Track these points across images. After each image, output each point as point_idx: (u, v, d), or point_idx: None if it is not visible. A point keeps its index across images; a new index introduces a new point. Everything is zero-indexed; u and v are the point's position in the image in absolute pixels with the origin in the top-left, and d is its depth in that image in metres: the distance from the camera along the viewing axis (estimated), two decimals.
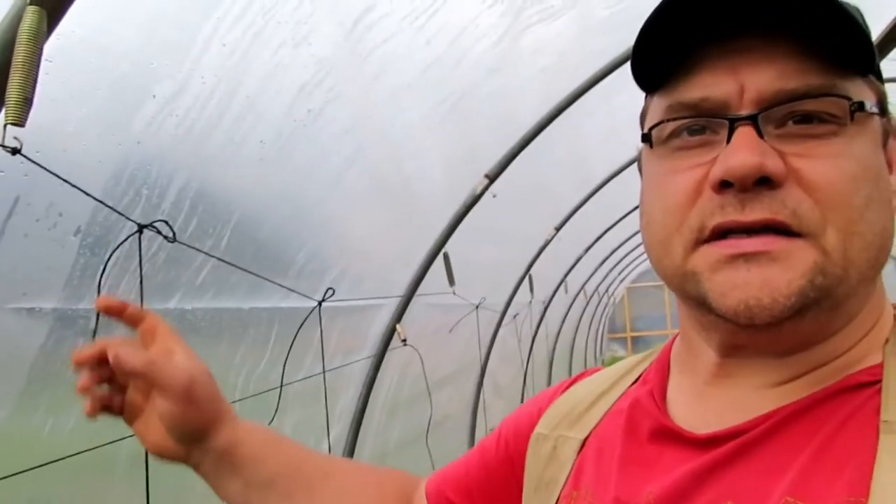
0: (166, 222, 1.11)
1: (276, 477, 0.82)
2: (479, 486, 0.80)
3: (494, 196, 3.11)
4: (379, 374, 2.71)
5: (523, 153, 2.95)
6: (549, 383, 7.20)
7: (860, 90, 0.53)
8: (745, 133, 0.52)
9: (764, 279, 0.50)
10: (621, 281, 11.74)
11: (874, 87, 0.56)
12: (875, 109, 0.54)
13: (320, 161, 1.76)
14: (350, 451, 2.67)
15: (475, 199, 2.97)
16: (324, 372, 2.02)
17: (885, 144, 0.56)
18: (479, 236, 3.66)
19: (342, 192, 1.94)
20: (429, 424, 3.21)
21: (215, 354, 1.75)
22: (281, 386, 1.85)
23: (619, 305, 14.08)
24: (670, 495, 0.56)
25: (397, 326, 2.70)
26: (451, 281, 2.94)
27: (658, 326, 14.14)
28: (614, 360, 13.89)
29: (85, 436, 1.36)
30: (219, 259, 1.47)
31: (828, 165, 0.51)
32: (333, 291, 1.85)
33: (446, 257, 2.89)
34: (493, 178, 3.15)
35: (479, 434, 4.21)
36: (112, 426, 1.43)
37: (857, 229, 0.51)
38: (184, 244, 1.30)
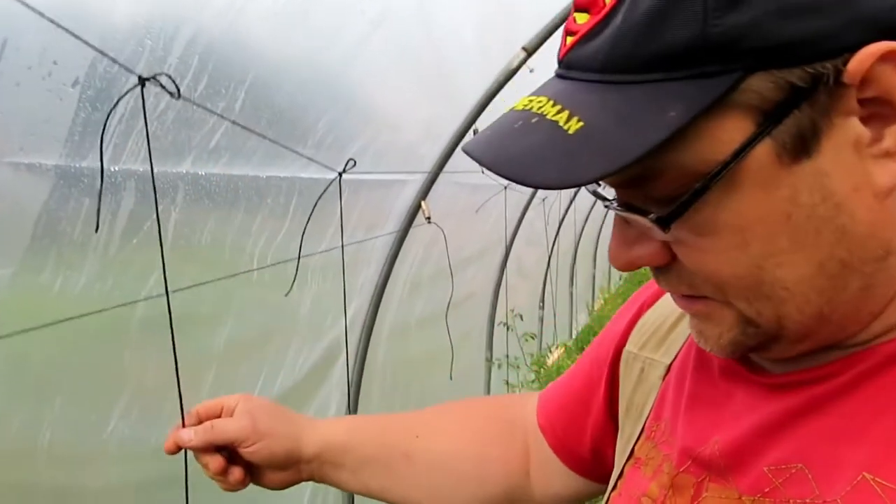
0: (170, 77, 1.01)
1: (372, 456, 0.88)
2: (584, 407, 0.79)
3: (531, 71, 2.93)
4: (401, 251, 2.67)
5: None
6: (573, 266, 7.20)
7: (721, 133, 0.42)
8: (617, 223, 0.51)
9: (699, 332, 0.52)
10: None
11: (769, 85, 0.40)
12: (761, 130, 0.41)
13: (342, 21, 1.63)
14: (370, 326, 2.69)
15: (511, 74, 2.80)
16: (342, 246, 1.97)
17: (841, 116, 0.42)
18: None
19: (367, 58, 1.81)
20: (449, 302, 3.21)
21: (230, 222, 1.70)
22: (299, 258, 1.81)
23: None
24: (737, 450, 0.52)
25: (422, 203, 2.63)
26: None
27: None
28: None
29: (97, 296, 1.34)
30: (232, 122, 1.38)
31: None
32: (355, 163, 1.77)
33: (477, 134, 2.77)
34: (531, 51, 2.95)
35: (500, 314, 4.24)
36: (123, 287, 1.41)
37: (760, 295, 0.46)
38: (191, 102, 1.22)
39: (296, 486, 0.89)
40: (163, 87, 1.02)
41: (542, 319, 5.87)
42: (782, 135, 0.41)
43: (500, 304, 4.27)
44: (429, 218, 2.61)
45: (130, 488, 1.56)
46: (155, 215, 1.18)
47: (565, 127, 0.44)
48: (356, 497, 2.64)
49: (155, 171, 1.36)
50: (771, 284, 0.45)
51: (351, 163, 1.75)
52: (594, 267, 8.95)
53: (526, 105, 0.48)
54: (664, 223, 0.44)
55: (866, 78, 0.40)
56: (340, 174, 1.82)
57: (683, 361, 0.63)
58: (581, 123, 0.43)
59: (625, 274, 12.06)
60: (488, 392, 4.22)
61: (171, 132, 1.32)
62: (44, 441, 1.33)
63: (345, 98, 1.88)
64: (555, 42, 2.97)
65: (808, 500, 0.47)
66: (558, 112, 0.45)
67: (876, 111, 0.41)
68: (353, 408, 2.64)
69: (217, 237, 1.67)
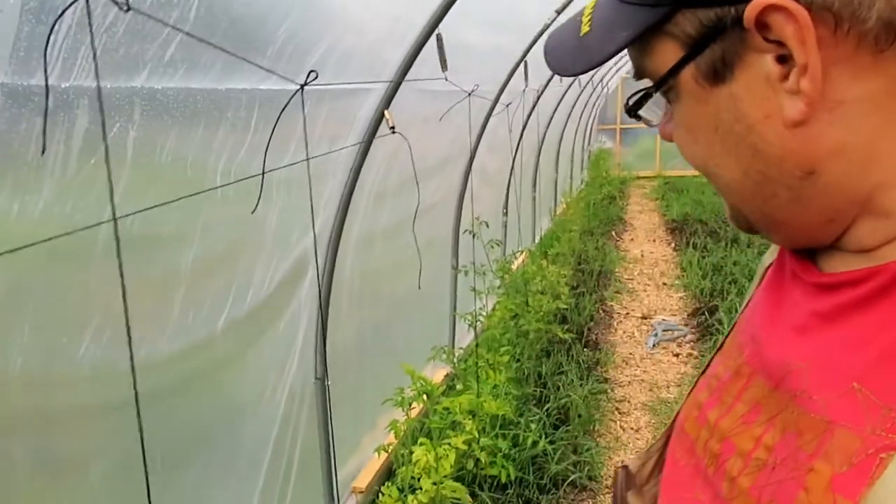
0: None
1: None
2: None
3: None
4: (366, 162, 2.63)
5: None
6: (535, 172, 7.21)
7: (663, 54, 0.55)
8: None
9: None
10: (617, 71, 11.34)
11: (688, 22, 0.52)
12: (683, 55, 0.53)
13: None
14: (336, 239, 2.68)
15: None
16: (307, 159, 1.93)
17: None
18: (476, 18, 3.39)
19: None
20: (416, 212, 3.21)
21: (191, 138, 1.64)
22: (263, 173, 1.77)
23: (612, 96, 13.74)
24: (777, 346, 0.57)
25: (385, 113, 2.57)
26: (444, 65, 2.75)
27: None
28: (601, 151, 13.89)
29: (57, 220, 1.30)
30: (186, 34, 1.31)
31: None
32: (317, 75, 1.70)
33: (439, 39, 2.68)
34: None
35: (465, 222, 4.25)
36: (84, 210, 1.37)
37: (715, 186, 0.59)
38: (142, 13, 1.14)
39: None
40: None
41: (505, 226, 5.91)
42: (701, 62, 0.52)
43: (464, 212, 4.28)
44: (393, 128, 2.56)
45: (104, 409, 1.57)
46: (104, 133, 1.13)
47: (582, 30, 0.60)
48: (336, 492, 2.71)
49: (108, 86, 1.29)
50: (716, 179, 0.57)
51: (312, 75, 1.68)
52: (556, 172, 8.97)
53: (588, 5, 0.62)
54: (631, 109, 0.60)
55: (763, 23, 0.47)
56: (302, 87, 1.76)
57: (777, 260, 0.68)
58: (587, 28, 0.59)
59: (586, 178, 12.14)
60: (455, 299, 4.30)
61: (122, 45, 1.24)
62: (15, 366, 1.32)
63: (303, 1, 1.79)
64: None
65: (797, 392, 0.52)
66: (588, 16, 0.60)
67: (786, 52, 0.48)
68: (324, 319, 2.67)
69: (178, 154, 1.61)
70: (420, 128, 3.14)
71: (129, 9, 0.95)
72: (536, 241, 7.41)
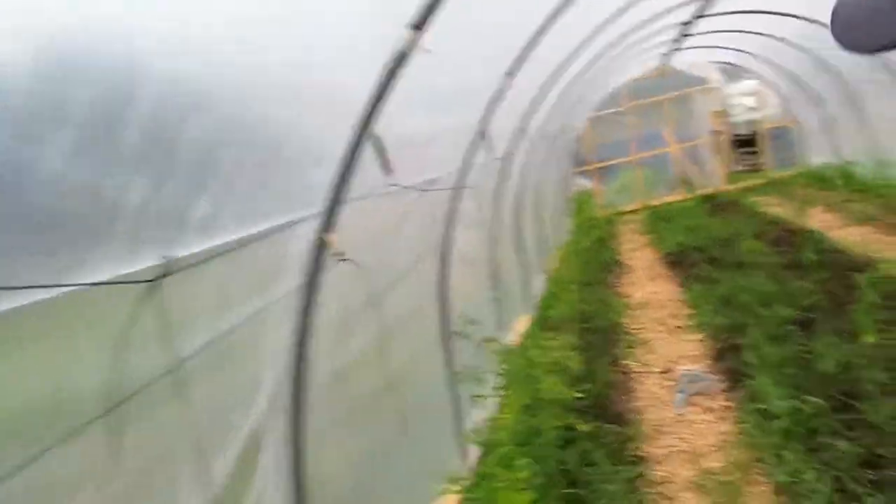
0: None
1: None
2: None
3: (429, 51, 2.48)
4: (323, 293, 2.21)
5: None
6: (517, 235, 6.83)
7: None
8: None
9: None
10: (581, 112, 11.14)
11: None
12: None
13: None
14: (296, 389, 2.23)
15: (400, 58, 2.34)
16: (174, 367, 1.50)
17: None
18: (418, 101, 3.05)
19: None
20: (387, 328, 2.79)
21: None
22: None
23: (581, 137, 13.53)
24: None
25: (327, 238, 2.17)
26: (387, 169, 2.37)
27: (622, 153, 13.72)
28: (582, 194, 13.59)
29: None
30: None
31: None
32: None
33: (377, 141, 2.31)
34: (420, 25, 2.50)
35: (453, 316, 3.82)
36: None
37: None
38: None
39: None
40: None
41: (498, 300, 5.50)
42: None
43: (449, 306, 3.85)
44: (341, 255, 2.16)
45: None
46: None
47: None
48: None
49: None
50: None
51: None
52: (540, 227, 8.60)
53: None
54: None
55: None
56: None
57: None
58: None
59: (571, 225, 11.77)
60: (459, 409, 3.82)
61: None
62: None
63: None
64: (446, 12, 2.52)
65: None
66: None
67: None
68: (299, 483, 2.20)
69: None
70: (377, 237, 2.76)
71: None
72: (533, 302, 6.98)
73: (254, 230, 1.60)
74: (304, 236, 2.01)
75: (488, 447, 3.52)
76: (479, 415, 3.74)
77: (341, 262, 2.15)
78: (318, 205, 2.01)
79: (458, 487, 2.97)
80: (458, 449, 3.71)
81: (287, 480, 2.06)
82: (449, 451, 3.68)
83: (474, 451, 3.90)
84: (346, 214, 2.21)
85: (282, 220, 1.80)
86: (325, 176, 2.05)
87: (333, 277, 2.26)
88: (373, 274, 2.42)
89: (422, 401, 3.41)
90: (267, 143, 1.83)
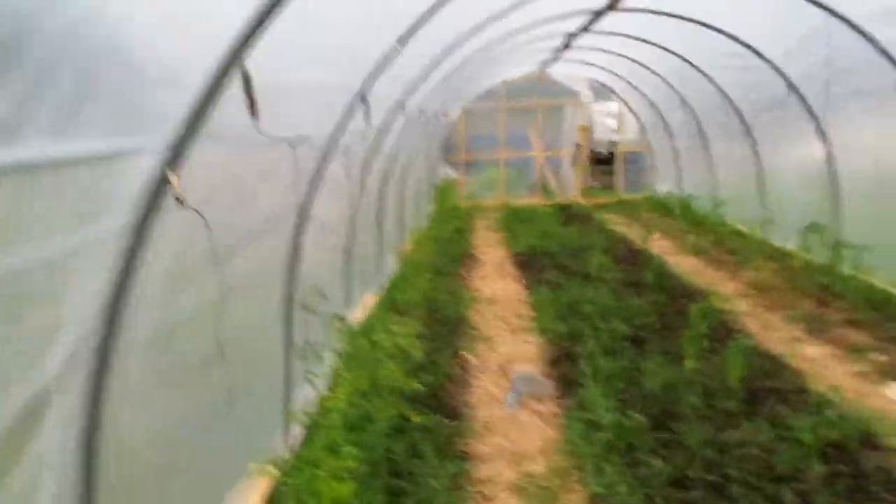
0: None
1: None
2: None
3: None
4: (155, 238, 1.89)
5: None
6: (379, 212, 6.63)
7: None
8: None
9: None
10: (458, 101, 11.11)
11: None
12: None
13: None
14: (104, 345, 1.90)
15: None
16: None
17: None
18: (304, 55, 2.76)
19: None
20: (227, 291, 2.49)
21: None
22: None
23: (454, 126, 13.54)
24: None
25: (171, 176, 1.85)
26: (254, 112, 2.08)
27: (490, 149, 13.93)
28: (447, 182, 13.63)
29: None
30: None
31: None
32: None
33: (247, 79, 2.02)
34: None
35: (300, 285, 3.56)
36: None
37: None
38: None
39: None
40: None
41: (349, 275, 5.27)
42: None
43: (297, 279, 3.58)
44: (179, 199, 1.85)
45: None
46: None
47: None
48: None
49: None
50: None
51: None
52: (402, 209, 8.45)
53: None
54: None
55: None
56: None
57: None
58: None
59: (432, 211, 11.74)
60: (289, 387, 3.56)
61: None
62: None
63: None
64: None
65: None
66: None
67: None
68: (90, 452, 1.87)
69: None
70: (230, 189, 2.45)
71: None
72: (383, 282, 6.82)
73: (71, 149, 1.28)
74: (144, 170, 1.69)
75: (317, 429, 3.30)
76: (312, 394, 3.51)
77: (183, 209, 1.84)
78: (167, 135, 1.70)
79: (275, 470, 2.74)
80: (283, 428, 3.47)
81: (74, 452, 1.74)
82: (274, 429, 3.42)
83: (301, 432, 3.66)
84: (199, 155, 1.90)
85: (115, 146, 1.48)
86: (179, 105, 1.73)
87: (171, 224, 1.95)
88: (220, 227, 2.13)
89: (253, 372, 3.12)
90: (114, 52, 1.51)
